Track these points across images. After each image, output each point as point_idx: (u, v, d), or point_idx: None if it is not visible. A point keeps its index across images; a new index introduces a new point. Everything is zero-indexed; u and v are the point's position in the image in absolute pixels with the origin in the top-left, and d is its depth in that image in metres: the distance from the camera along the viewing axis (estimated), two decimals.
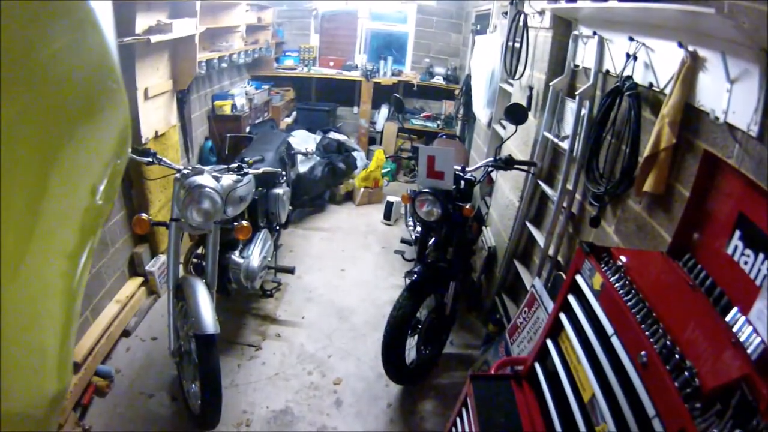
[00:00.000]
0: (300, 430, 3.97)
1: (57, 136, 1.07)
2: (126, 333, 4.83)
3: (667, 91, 2.56)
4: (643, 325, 1.67)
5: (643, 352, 1.60)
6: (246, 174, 4.18)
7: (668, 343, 1.56)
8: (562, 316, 2.23)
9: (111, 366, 4.41)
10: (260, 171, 4.42)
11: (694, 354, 1.50)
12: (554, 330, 2.34)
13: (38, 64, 0.99)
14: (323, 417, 4.09)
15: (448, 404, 4.22)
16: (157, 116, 5.28)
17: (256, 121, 8.29)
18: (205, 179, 3.66)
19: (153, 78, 5.11)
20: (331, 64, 10.27)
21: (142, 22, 4.55)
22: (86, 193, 1.23)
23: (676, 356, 1.51)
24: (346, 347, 4.92)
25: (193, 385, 3.75)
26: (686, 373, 1.46)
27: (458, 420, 2.79)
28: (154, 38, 4.52)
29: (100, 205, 1.29)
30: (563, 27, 4.18)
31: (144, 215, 3.55)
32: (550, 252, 3.99)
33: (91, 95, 1.18)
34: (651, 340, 1.62)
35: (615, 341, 1.77)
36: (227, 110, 7.57)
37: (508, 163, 4.02)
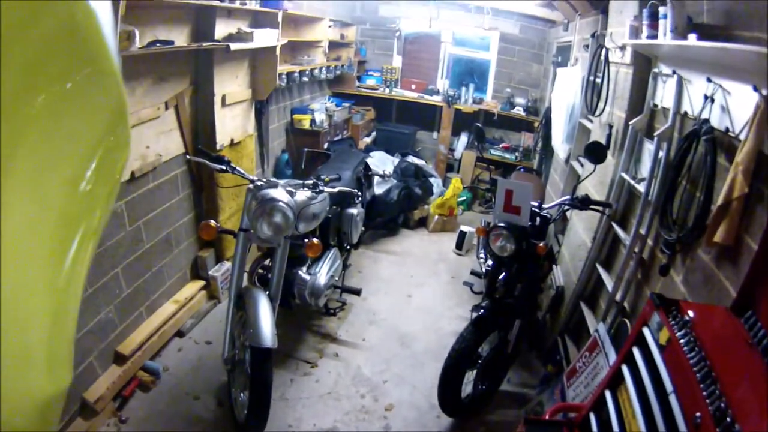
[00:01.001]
0: None
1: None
2: (180, 333, 4.91)
3: (742, 137, 2.46)
4: (701, 385, 1.59)
5: (698, 414, 1.53)
6: (321, 192, 4.16)
7: (722, 405, 1.48)
8: (624, 368, 2.15)
9: (160, 363, 4.47)
10: (336, 190, 4.40)
11: (744, 417, 1.43)
12: (614, 381, 2.26)
13: None
14: None
15: None
16: (233, 124, 5.38)
17: (335, 138, 8.37)
18: (279, 193, 3.65)
19: (231, 85, 5.22)
20: (413, 86, 10.25)
21: (222, 29, 4.67)
22: (61, 184, 1.18)
23: (728, 419, 1.44)
24: (403, 374, 4.86)
25: (242, 394, 3.75)
26: None
27: None
28: (234, 46, 4.61)
29: (89, 190, 1.25)
30: (644, 64, 4.09)
31: (212, 222, 3.58)
32: (617, 297, 3.87)
33: (60, 77, 1.12)
34: (707, 401, 1.54)
35: (673, 400, 1.70)
36: (306, 125, 7.66)
37: (584, 203, 3.93)
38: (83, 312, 3.71)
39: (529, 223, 4.01)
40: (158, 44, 3.81)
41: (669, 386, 1.75)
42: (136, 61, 3.70)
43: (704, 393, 1.56)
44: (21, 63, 0.96)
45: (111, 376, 3.98)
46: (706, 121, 2.84)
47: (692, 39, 2.86)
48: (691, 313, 1.88)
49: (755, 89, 2.30)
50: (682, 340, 1.78)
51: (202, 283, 5.35)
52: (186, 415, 4.04)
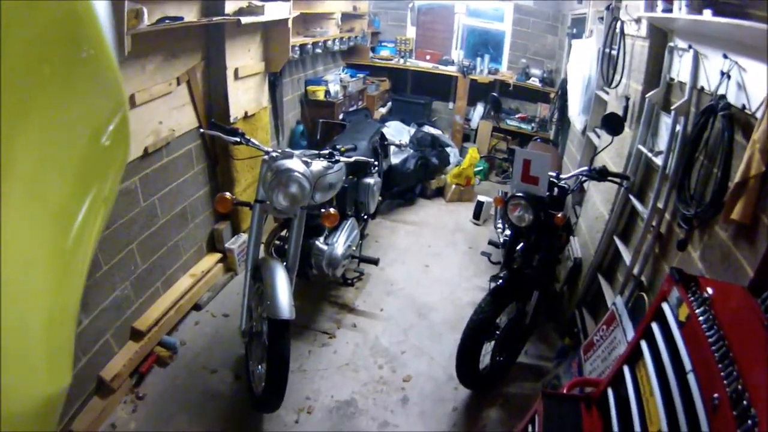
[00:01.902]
0: (361, 423, 3.96)
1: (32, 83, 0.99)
2: (197, 307, 4.93)
3: (758, 114, 2.44)
4: (720, 365, 1.58)
5: (716, 395, 1.52)
6: (337, 161, 4.16)
7: (739, 387, 1.47)
8: (643, 344, 2.14)
9: (177, 338, 4.51)
10: (352, 159, 4.37)
11: (758, 401, 1.41)
12: (632, 357, 2.25)
13: None
14: (387, 413, 4.07)
15: (513, 415, 4.13)
16: (247, 97, 5.37)
17: (350, 109, 8.35)
18: (294, 163, 3.63)
19: (244, 59, 5.22)
20: (428, 57, 10.22)
21: (233, 3, 4.63)
22: (84, 137, 1.15)
23: (744, 403, 1.42)
24: (421, 345, 4.88)
25: (260, 367, 3.74)
26: (749, 421, 1.38)
27: None
28: (245, 19, 4.60)
29: (107, 146, 1.22)
30: (660, 37, 4.03)
31: (227, 194, 3.58)
32: (635, 271, 3.85)
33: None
34: (725, 382, 1.53)
35: (691, 379, 1.69)
36: (320, 96, 7.65)
37: (602, 174, 3.88)
38: (99, 290, 3.74)
39: (547, 194, 3.98)
40: (167, 21, 3.79)
41: (688, 365, 1.73)
42: (145, 39, 3.65)
43: (722, 374, 1.55)
44: (21, 53, 0.95)
45: (128, 352, 4.00)
46: (723, 97, 2.80)
47: (707, 14, 2.82)
48: (710, 290, 1.86)
49: None
50: (701, 318, 1.77)
51: (218, 255, 5.38)
52: (203, 389, 4.07)
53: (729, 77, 2.79)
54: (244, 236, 5.47)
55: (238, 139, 3.77)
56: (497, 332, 4.20)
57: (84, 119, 1.18)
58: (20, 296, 0.98)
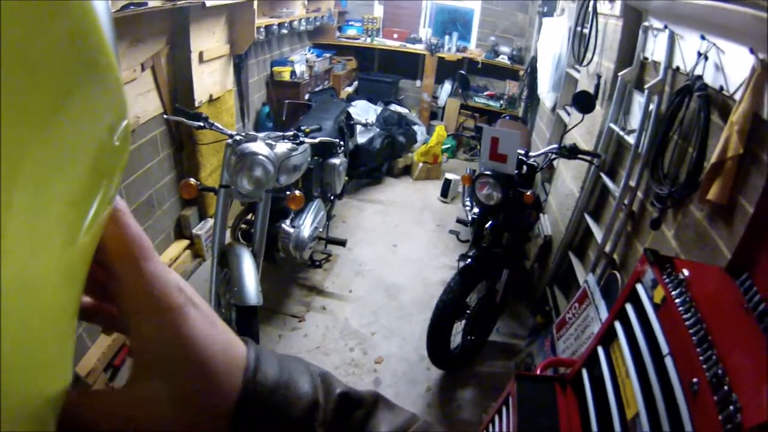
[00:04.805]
0: None
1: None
2: None
3: (736, 97, 2.41)
4: (698, 349, 1.55)
5: (695, 379, 1.48)
6: (302, 143, 4.09)
7: (719, 371, 1.44)
8: (617, 325, 2.12)
9: None
10: (317, 140, 4.33)
11: (739, 386, 1.38)
12: (607, 338, 2.23)
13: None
14: None
15: (487, 394, 4.14)
16: (212, 80, 5.30)
17: (316, 89, 8.25)
18: (258, 146, 3.58)
19: (209, 42, 5.14)
20: (395, 36, 10.16)
21: None
22: (105, 129, 1.10)
23: (725, 387, 1.39)
24: (391, 326, 4.86)
25: None
26: (731, 407, 1.34)
27: (497, 417, 2.72)
28: (209, 2, 4.51)
29: (117, 146, 1.17)
30: (634, 16, 4.00)
31: (192, 180, 3.50)
32: (607, 249, 3.85)
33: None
34: (704, 366, 1.50)
35: (668, 362, 1.66)
36: (286, 77, 7.56)
37: (573, 152, 3.86)
38: None
39: (516, 172, 3.95)
40: (132, 6, 3.69)
41: (665, 348, 1.71)
42: None
43: (701, 358, 1.52)
44: (24, 62, 0.89)
45: (101, 346, 3.90)
46: (699, 77, 2.77)
47: None
48: (686, 272, 1.83)
49: (751, 51, 2.24)
50: (677, 300, 1.74)
51: (186, 242, 5.30)
52: None
53: (707, 58, 2.76)
54: (210, 221, 5.38)
55: (201, 124, 3.69)
56: (467, 311, 4.20)
57: (97, 119, 1.13)
58: (29, 289, 0.94)
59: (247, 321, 3.35)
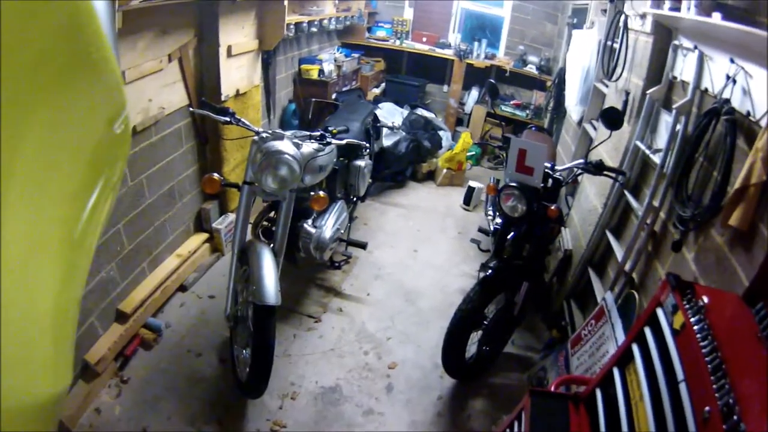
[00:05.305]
0: (346, 410, 3.94)
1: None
2: (183, 288, 4.88)
3: (762, 123, 2.40)
4: (712, 377, 1.55)
5: (707, 408, 1.49)
6: (329, 144, 4.10)
7: (730, 401, 1.44)
8: (634, 348, 2.11)
9: (162, 320, 4.45)
10: (344, 142, 4.34)
11: (748, 415, 1.39)
12: (623, 359, 2.23)
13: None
14: (371, 400, 4.05)
15: (499, 406, 4.13)
16: (239, 75, 5.33)
17: (343, 89, 8.26)
18: (285, 145, 3.57)
19: (237, 36, 5.17)
20: (424, 39, 10.15)
21: None
22: (102, 121, 1.13)
23: (735, 417, 1.39)
24: (407, 331, 4.85)
25: (245, 352, 3.71)
26: None
27: (508, 431, 2.72)
28: None
29: (117, 134, 1.19)
30: (664, 34, 3.99)
31: (216, 175, 3.53)
32: (626, 267, 3.83)
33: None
34: (716, 395, 1.50)
35: (683, 388, 1.66)
36: (314, 75, 7.56)
37: (598, 168, 3.83)
38: None
39: (541, 185, 3.95)
40: None
41: (680, 374, 1.70)
42: (137, 15, 3.57)
43: (714, 386, 1.52)
44: (23, 60, 0.91)
45: (112, 335, 3.93)
46: (727, 101, 2.76)
47: (716, 17, 2.77)
48: (705, 299, 1.83)
49: None
50: (695, 327, 1.74)
51: (205, 236, 5.32)
52: (188, 374, 4.03)
53: (735, 82, 2.75)
54: (231, 216, 5.41)
55: (228, 119, 3.70)
56: (485, 322, 4.18)
57: (94, 112, 1.15)
58: (28, 289, 0.96)
59: (264, 320, 3.36)
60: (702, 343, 1.66)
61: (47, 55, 0.97)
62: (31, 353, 1.01)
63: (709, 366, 1.58)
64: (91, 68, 1.11)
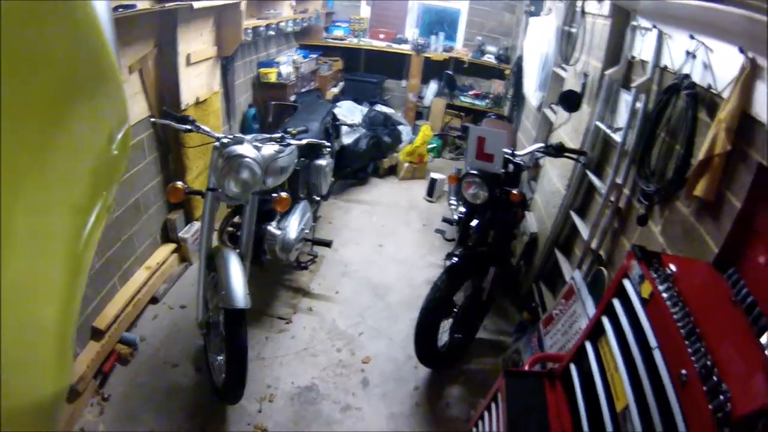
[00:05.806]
0: (324, 408, 3.94)
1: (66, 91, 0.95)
2: (154, 300, 4.82)
3: (724, 95, 2.44)
4: (686, 342, 1.56)
5: (684, 371, 1.51)
6: (289, 145, 4.08)
7: (708, 363, 1.46)
8: (605, 320, 2.13)
9: (136, 333, 4.41)
10: (304, 142, 4.32)
11: (729, 376, 1.41)
12: (594, 333, 2.24)
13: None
14: (348, 396, 4.05)
15: (475, 391, 4.17)
16: (199, 82, 5.28)
17: (302, 90, 8.23)
18: (245, 149, 3.56)
19: (196, 44, 5.12)
20: (382, 36, 10.16)
21: None
22: (106, 135, 1.13)
23: (714, 378, 1.42)
24: (378, 326, 4.87)
25: (219, 358, 3.70)
26: (721, 396, 1.37)
27: (486, 413, 2.73)
28: (197, 4, 4.50)
29: (116, 155, 1.20)
30: (622, 16, 4.02)
31: (179, 183, 3.49)
32: (593, 245, 3.87)
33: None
34: (693, 358, 1.51)
35: (657, 355, 1.68)
36: (272, 78, 7.51)
37: (559, 150, 3.88)
38: None
39: (502, 170, 3.97)
40: (120, 9, 3.67)
41: (653, 341, 1.72)
42: None
43: (689, 350, 1.54)
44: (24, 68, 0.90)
45: (90, 353, 3.87)
46: (687, 76, 2.81)
47: None
48: (673, 267, 1.85)
49: (741, 51, 2.27)
50: (664, 294, 1.75)
51: (172, 246, 5.27)
52: (166, 385, 3.99)
53: (695, 57, 2.79)
54: (197, 224, 5.38)
55: (188, 127, 3.67)
56: (454, 310, 4.22)
57: (99, 126, 1.16)
58: (37, 295, 0.97)
59: (235, 324, 3.36)
60: (673, 310, 1.68)
61: (53, 61, 0.96)
62: (34, 354, 1.01)
63: (682, 331, 1.60)
64: (98, 76, 1.11)
